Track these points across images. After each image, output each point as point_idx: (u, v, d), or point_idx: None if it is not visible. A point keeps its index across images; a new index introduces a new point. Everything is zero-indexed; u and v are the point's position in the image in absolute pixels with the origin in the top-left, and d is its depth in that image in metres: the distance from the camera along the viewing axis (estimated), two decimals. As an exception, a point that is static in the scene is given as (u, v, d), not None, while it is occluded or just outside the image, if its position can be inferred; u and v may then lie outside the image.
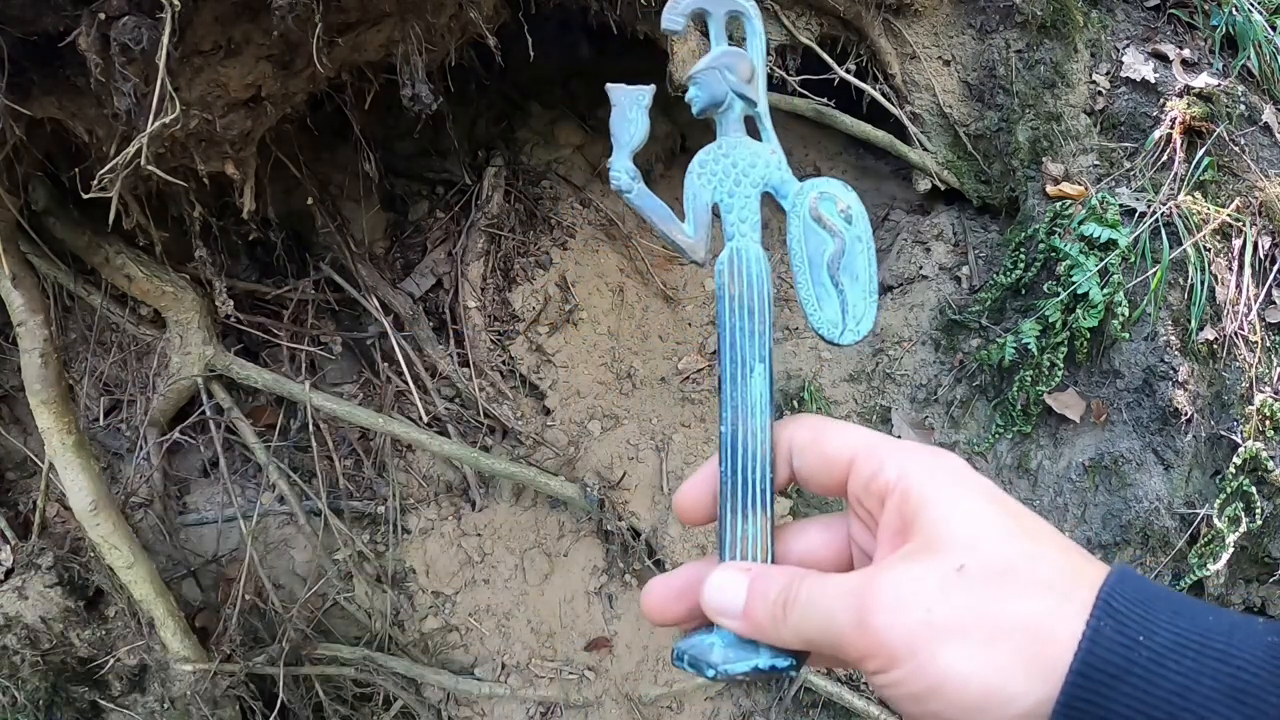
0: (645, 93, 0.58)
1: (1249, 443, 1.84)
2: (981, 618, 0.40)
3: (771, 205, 0.58)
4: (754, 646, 0.49)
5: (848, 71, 2.36)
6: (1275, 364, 1.91)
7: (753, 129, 0.59)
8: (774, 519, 0.52)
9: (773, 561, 0.52)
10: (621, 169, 0.57)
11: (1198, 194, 2.01)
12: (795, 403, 2.33)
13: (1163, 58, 2.22)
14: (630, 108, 0.57)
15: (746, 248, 0.56)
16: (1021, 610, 0.40)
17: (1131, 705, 0.37)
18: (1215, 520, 1.85)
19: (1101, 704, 0.37)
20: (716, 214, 0.57)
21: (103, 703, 2.18)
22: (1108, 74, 2.24)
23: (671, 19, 0.59)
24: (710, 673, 0.49)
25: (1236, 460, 1.84)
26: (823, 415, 0.53)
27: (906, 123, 2.41)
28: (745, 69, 0.58)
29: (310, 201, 2.28)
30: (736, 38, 0.60)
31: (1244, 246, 1.95)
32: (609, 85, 0.58)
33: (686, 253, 0.57)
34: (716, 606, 0.49)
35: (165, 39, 1.23)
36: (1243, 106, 2.11)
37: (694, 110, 0.58)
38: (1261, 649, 0.36)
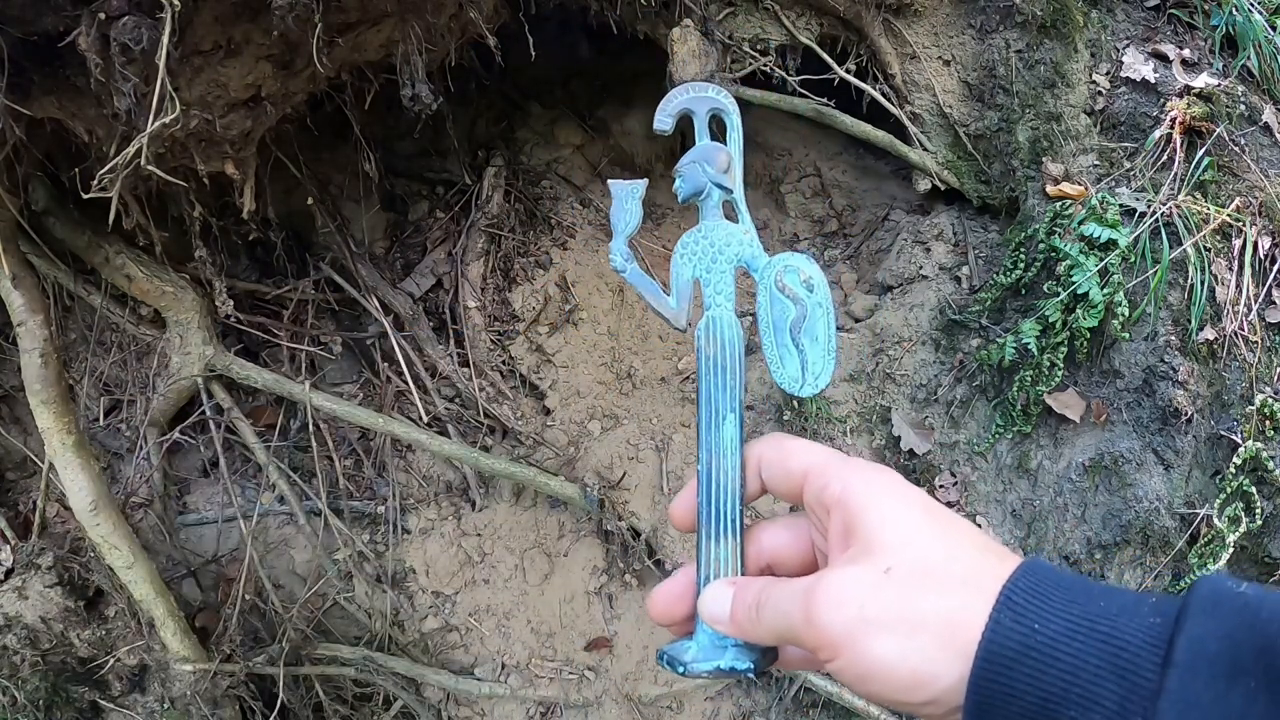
0: (640, 186, 0.66)
1: (1249, 443, 1.84)
2: (905, 612, 0.47)
3: (746, 278, 0.66)
4: (722, 651, 0.57)
5: (848, 71, 2.36)
6: (1275, 364, 1.91)
7: (731, 212, 0.67)
8: (742, 543, 0.60)
9: (742, 574, 0.60)
10: (618, 251, 0.66)
11: (1198, 194, 2.01)
12: (795, 402, 2.33)
13: (1163, 58, 2.22)
14: (627, 199, 0.66)
15: (721, 316, 0.64)
16: (939, 605, 0.46)
17: (1029, 682, 0.43)
18: (1215, 520, 1.85)
19: (1005, 682, 0.43)
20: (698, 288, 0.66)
21: (103, 703, 2.18)
22: (1108, 74, 2.24)
23: (661, 120, 0.67)
24: (681, 669, 0.58)
25: (1236, 460, 1.84)
26: (788, 434, 0.63)
27: (906, 123, 2.41)
28: (723, 160, 0.66)
29: (310, 201, 2.28)
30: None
31: (1244, 246, 1.95)
32: (610, 180, 0.68)
33: (671, 321, 0.66)
34: (711, 615, 0.57)
35: (165, 39, 1.23)
36: (1243, 106, 2.11)
37: (679, 198, 0.67)
38: (1142, 630, 0.42)
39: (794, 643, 0.52)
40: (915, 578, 0.47)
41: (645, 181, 0.67)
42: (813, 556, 0.59)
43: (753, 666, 0.57)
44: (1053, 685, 0.42)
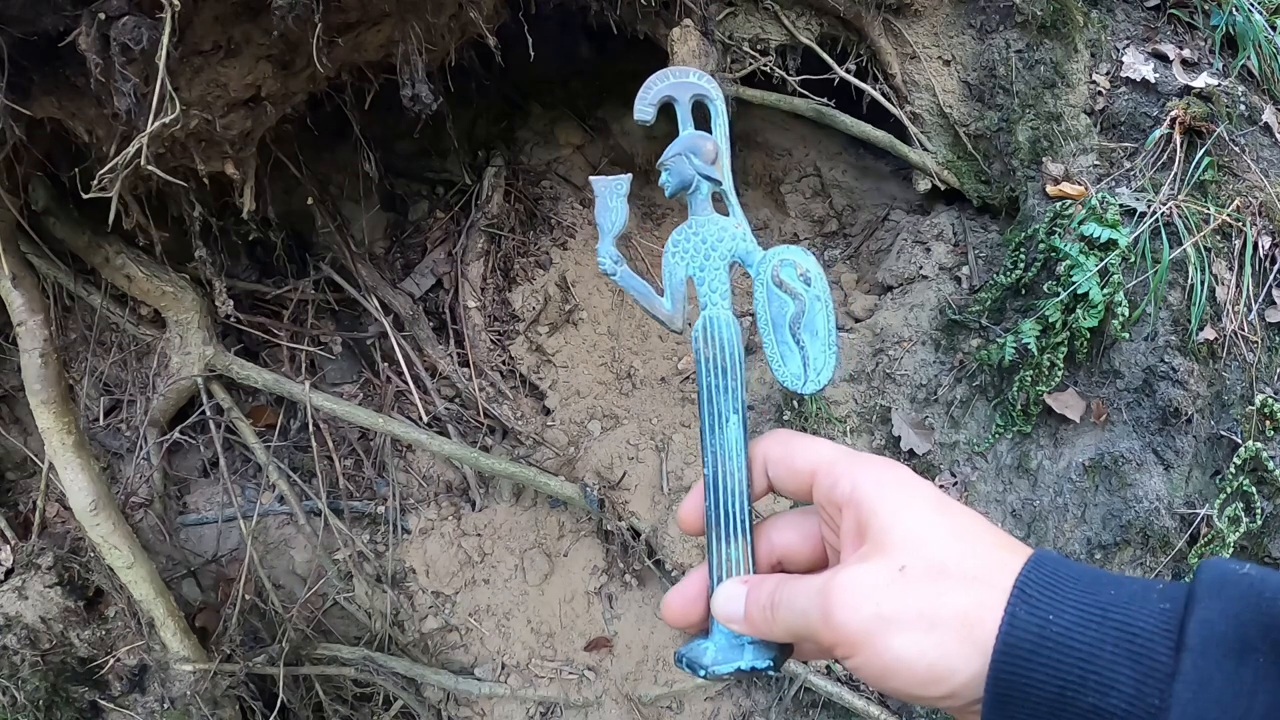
0: (623, 182, 0.64)
1: (1249, 443, 1.84)
2: (922, 609, 0.47)
3: (745, 278, 0.64)
4: (740, 651, 0.57)
5: (848, 71, 2.36)
6: (1275, 364, 1.91)
7: (721, 205, 0.65)
8: (752, 542, 0.59)
9: (753, 573, 0.59)
10: (606, 254, 0.64)
11: (1198, 194, 2.01)
12: (795, 402, 2.33)
13: (1163, 58, 2.22)
14: (611, 197, 0.64)
15: (718, 315, 0.62)
16: (955, 601, 0.47)
17: (1048, 671, 0.44)
18: (1215, 520, 1.85)
19: (1024, 673, 0.44)
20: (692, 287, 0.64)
21: (103, 703, 2.18)
22: (1108, 74, 2.24)
23: (642, 110, 0.64)
24: (702, 673, 0.57)
25: (1236, 460, 1.84)
26: (792, 430, 0.61)
27: (906, 123, 2.41)
28: (710, 150, 0.63)
29: (310, 201, 2.28)
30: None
31: (1244, 246, 1.95)
32: (592, 178, 0.65)
33: (666, 324, 0.64)
34: (725, 614, 0.57)
35: (165, 39, 1.23)
36: (1243, 106, 2.11)
37: (666, 193, 0.64)
38: (1154, 615, 0.43)
39: (810, 640, 0.53)
40: (930, 575, 0.48)
41: (629, 176, 0.64)
42: (823, 551, 0.59)
43: (771, 664, 0.57)
44: (1070, 673, 0.43)
